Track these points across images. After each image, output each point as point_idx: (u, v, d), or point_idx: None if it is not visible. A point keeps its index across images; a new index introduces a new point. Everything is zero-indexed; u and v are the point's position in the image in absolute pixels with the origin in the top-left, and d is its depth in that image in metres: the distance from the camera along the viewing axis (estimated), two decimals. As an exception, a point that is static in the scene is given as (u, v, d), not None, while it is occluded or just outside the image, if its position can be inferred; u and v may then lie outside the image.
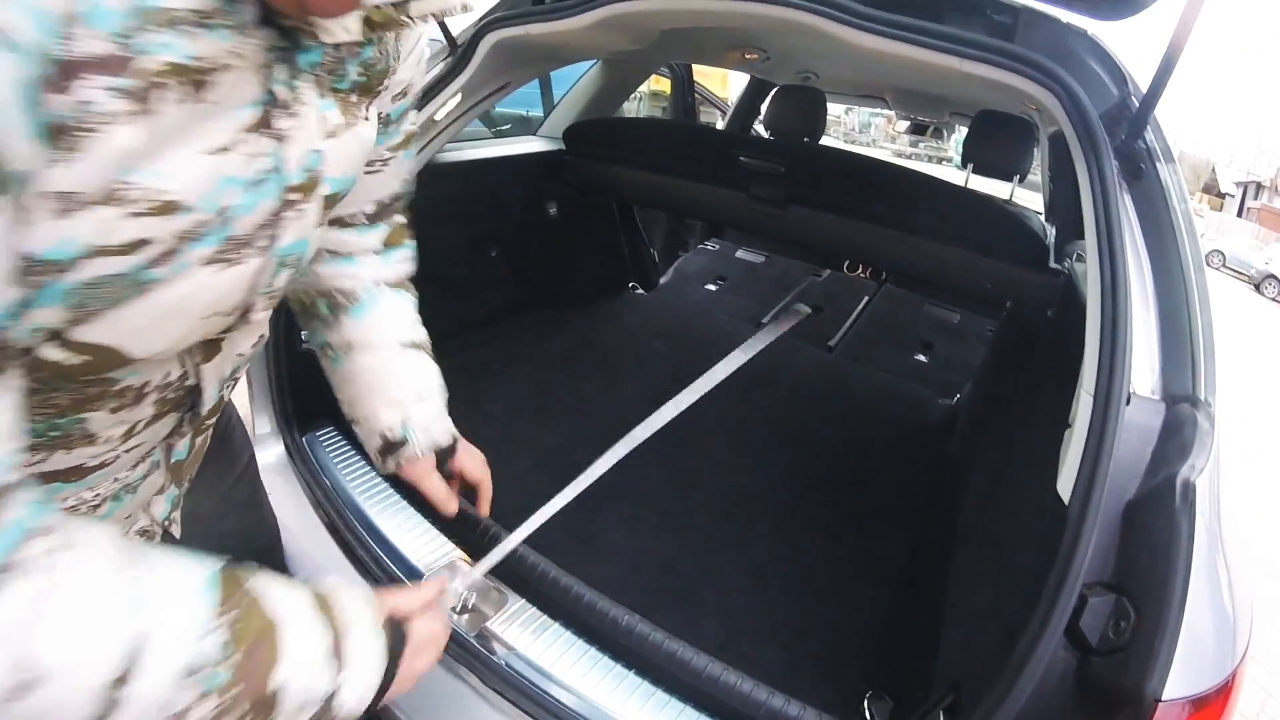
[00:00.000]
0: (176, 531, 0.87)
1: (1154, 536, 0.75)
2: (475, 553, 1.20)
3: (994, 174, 2.18)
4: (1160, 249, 1.02)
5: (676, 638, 1.08)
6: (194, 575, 0.52)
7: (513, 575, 1.19)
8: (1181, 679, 0.68)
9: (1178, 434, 0.84)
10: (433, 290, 2.03)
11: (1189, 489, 0.75)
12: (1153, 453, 0.85)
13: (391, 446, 0.95)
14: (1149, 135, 1.06)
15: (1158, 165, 1.07)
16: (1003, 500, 1.30)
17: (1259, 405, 7.78)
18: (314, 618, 0.61)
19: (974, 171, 2.17)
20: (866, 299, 3.31)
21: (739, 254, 3.59)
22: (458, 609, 1.14)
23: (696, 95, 3.72)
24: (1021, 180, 2.20)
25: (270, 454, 1.46)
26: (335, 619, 0.63)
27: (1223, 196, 36.96)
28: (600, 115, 2.57)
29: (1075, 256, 1.70)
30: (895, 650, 1.31)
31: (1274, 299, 19.54)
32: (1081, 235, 1.05)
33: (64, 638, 0.42)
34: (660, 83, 5.59)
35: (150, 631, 0.47)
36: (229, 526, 1.03)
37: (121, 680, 0.45)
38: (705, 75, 4.08)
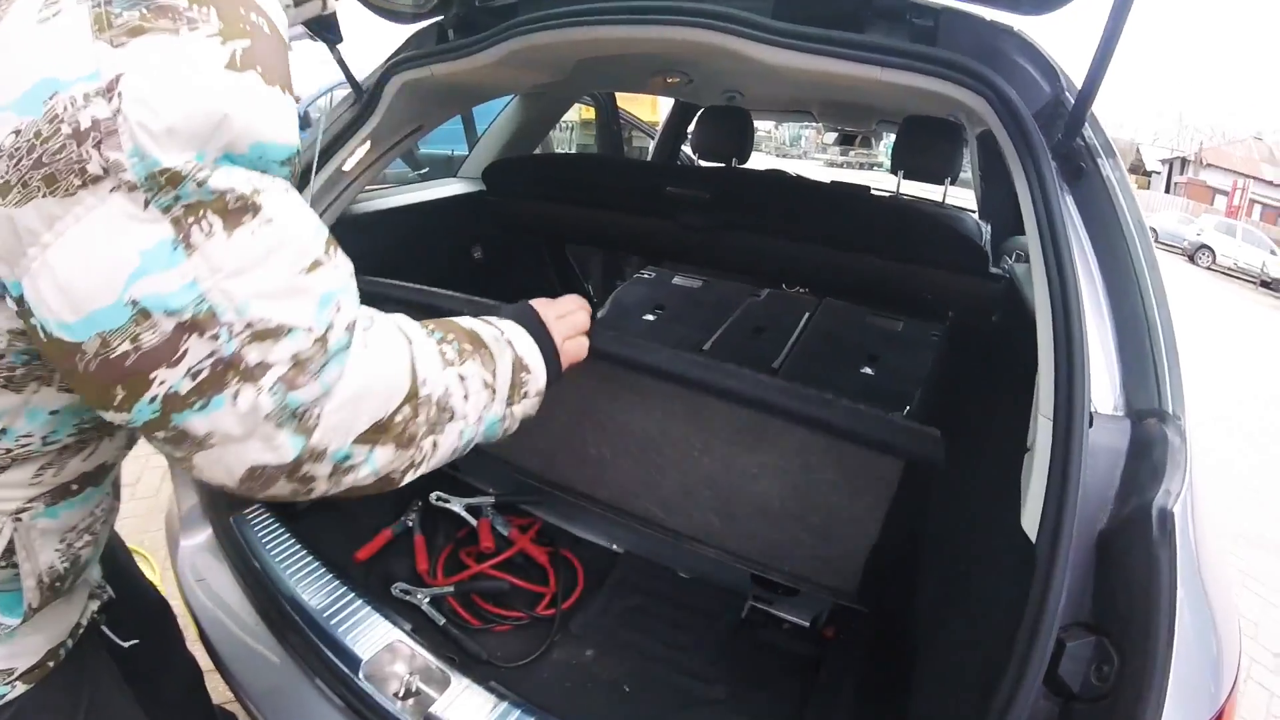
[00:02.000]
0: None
1: (1132, 572, 0.68)
2: None
3: (924, 178, 2.15)
4: (1109, 250, 0.97)
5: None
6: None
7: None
8: (1173, 720, 0.62)
9: (1147, 454, 0.78)
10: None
11: (1166, 518, 0.68)
12: (1122, 476, 0.78)
13: None
14: (1087, 131, 1.01)
15: (1099, 162, 1.01)
16: (964, 528, 1.24)
17: (1212, 365, 8.12)
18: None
19: (904, 177, 2.14)
20: (808, 315, 3.26)
21: (676, 280, 3.52)
22: (400, 694, 1.07)
23: (624, 122, 3.68)
24: (953, 181, 2.18)
25: (197, 536, 1.35)
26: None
27: (1149, 175, 38.45)
28: (522, 151, 2.49)
29: (1015, 256, 1.66)
30: (879, 689, 1.23)
31: (1208, 268, 20.97)
32: (1018, 231, 0.99)
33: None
34: (591, 112, 5.58)
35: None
36: None
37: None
38: (633, 101, 4.05)
